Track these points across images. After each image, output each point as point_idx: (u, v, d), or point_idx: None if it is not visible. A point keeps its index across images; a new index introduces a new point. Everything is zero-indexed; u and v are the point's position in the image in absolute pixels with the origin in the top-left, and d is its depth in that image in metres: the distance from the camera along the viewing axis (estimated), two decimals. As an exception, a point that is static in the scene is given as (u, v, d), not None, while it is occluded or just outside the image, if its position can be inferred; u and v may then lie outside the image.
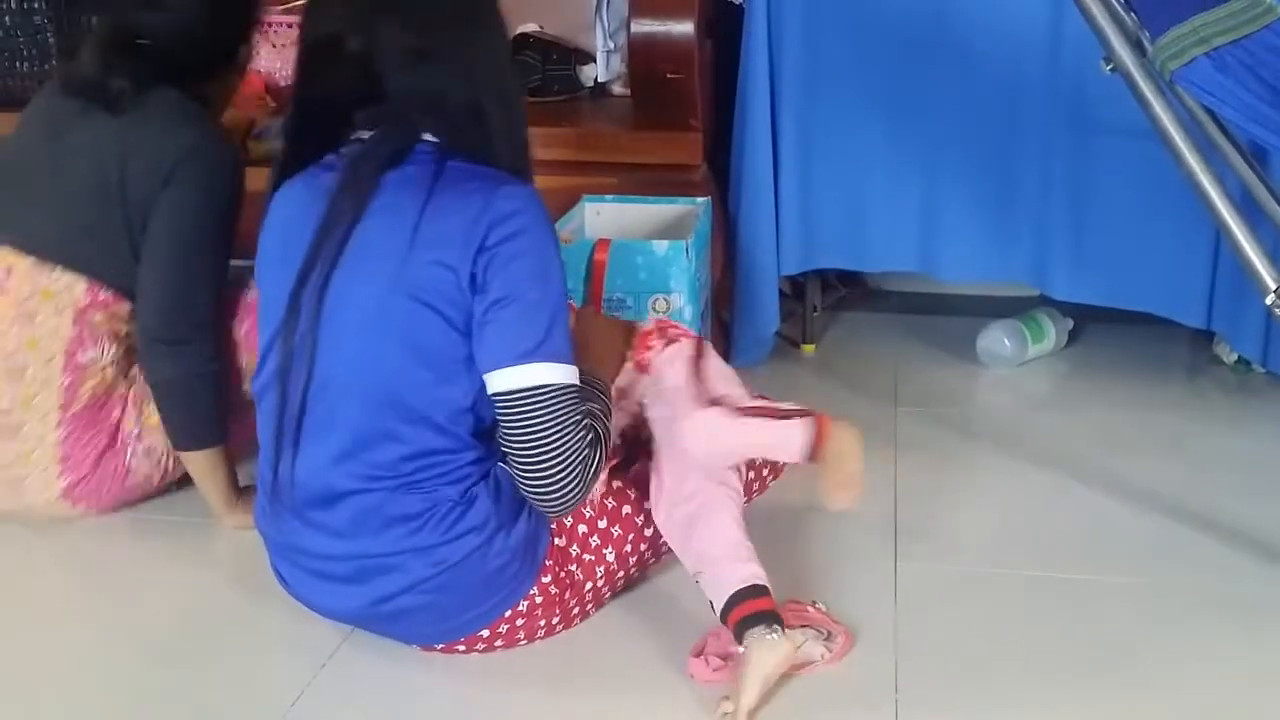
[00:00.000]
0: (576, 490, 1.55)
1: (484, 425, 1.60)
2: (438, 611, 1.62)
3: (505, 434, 1.55)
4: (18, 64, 2.73)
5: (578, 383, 1.56)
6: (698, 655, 1.64)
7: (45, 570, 1.95)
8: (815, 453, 1.71)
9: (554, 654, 1.69)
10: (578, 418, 1.54)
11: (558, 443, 1.52)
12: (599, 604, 1.74)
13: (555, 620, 1.69)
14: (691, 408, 1.72)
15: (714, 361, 1.81)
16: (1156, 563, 1.89)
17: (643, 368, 1.79)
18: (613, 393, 1.72)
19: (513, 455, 1.55)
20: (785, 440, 1.72)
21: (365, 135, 1.61)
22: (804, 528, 1.96)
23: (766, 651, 1.56)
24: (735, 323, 2.60)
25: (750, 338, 2.59)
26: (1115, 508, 2.05)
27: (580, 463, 1.54)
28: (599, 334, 1.79)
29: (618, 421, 1.75)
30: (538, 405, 1.52)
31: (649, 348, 1.80)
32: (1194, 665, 1.65)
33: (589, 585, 1.70)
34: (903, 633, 1.71)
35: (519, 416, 1.52)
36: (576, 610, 1.71)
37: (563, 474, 1.53)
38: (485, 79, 1.60)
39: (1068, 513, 2.05)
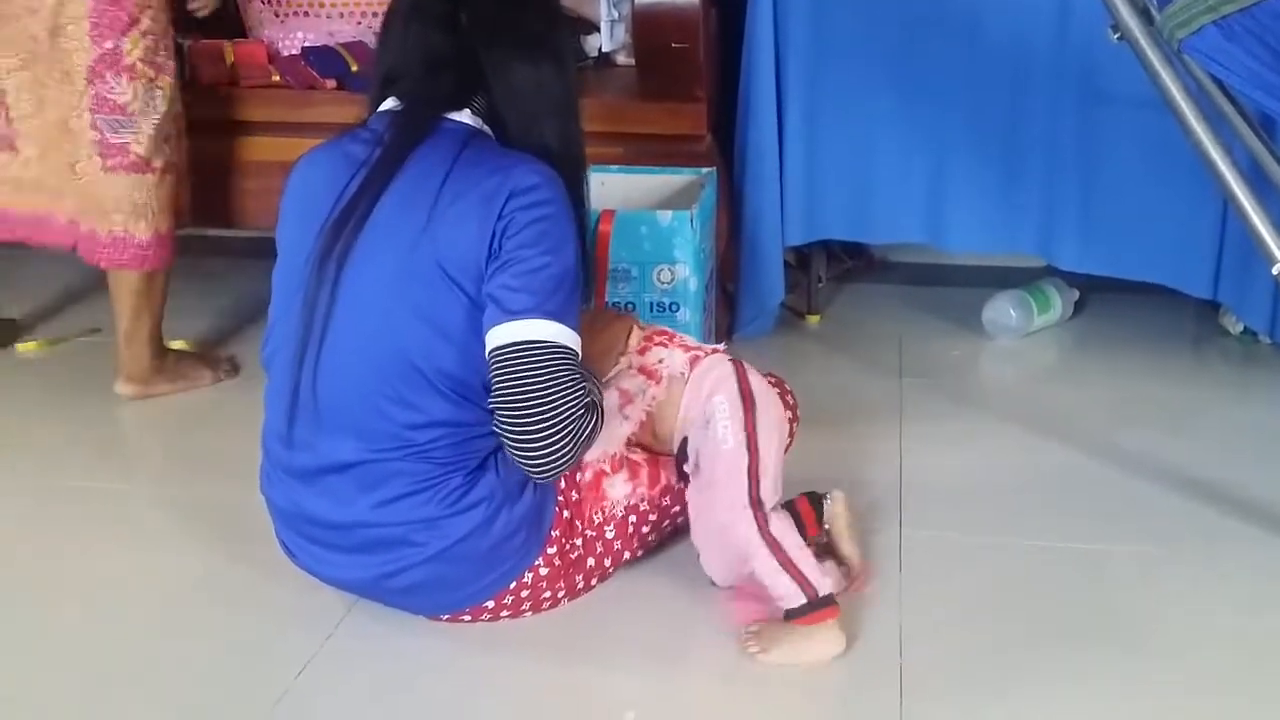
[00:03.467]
0: (567, 453, 1.51)
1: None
2: (444, 583, 1.62)
3: (497, 392, 1.52)
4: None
5: (579, 351, 1.55)
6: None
7: (55, 541, 1.95)
8: (801, 620, 1.62)
9: (558, 624, 1.69)
10: (576, 378, 1.52)
11: (552, 399, 1.49)
12: (603, 578, 1.74)
13: (560, 592, 1.70)
14: (737, 504, 1.63)
15: (762, 405, 1.68)
16: (1162, 532, 1.89)
17: (649, 373, 1.74)
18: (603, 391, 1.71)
19: (503, 413, 1.51)
20: (787, 595, 1.62)
21: (391, 107, 1.63)
22: (809, 498, 1.96)
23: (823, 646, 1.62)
24: (740, 294, 2.59)
25: (755, 309, 2.59)
26: (1120, 478, 2.05)
27: (574, 422, 1.50)
28: (594, 328, 1.76)
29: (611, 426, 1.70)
30: (534, 360, 1.50)
31: (655, 345, 1.77)
32: (1199, 634, 1.66)
33: (591, 561, 1.71)
34: (908, 602, 1.72)
35: (513, 371, 1.50)
36: (581, 583, 1.72)
37: (554, 434, 1.49)
38: (550, 58, 1.65)
39: (1073, 483, 2.05)
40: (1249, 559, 1.83)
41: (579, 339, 1.55)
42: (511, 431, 1.51)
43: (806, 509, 1.76)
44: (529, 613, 1.69)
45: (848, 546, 1.77)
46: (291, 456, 1.63)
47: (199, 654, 1.66)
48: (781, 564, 1.61)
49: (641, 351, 1.77)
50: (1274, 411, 2.30)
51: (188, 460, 2.18)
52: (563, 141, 1.66)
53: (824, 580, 1.62)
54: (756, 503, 1.63)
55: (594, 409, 1.54)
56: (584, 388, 1.53)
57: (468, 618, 1.67)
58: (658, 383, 1.72)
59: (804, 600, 1.60)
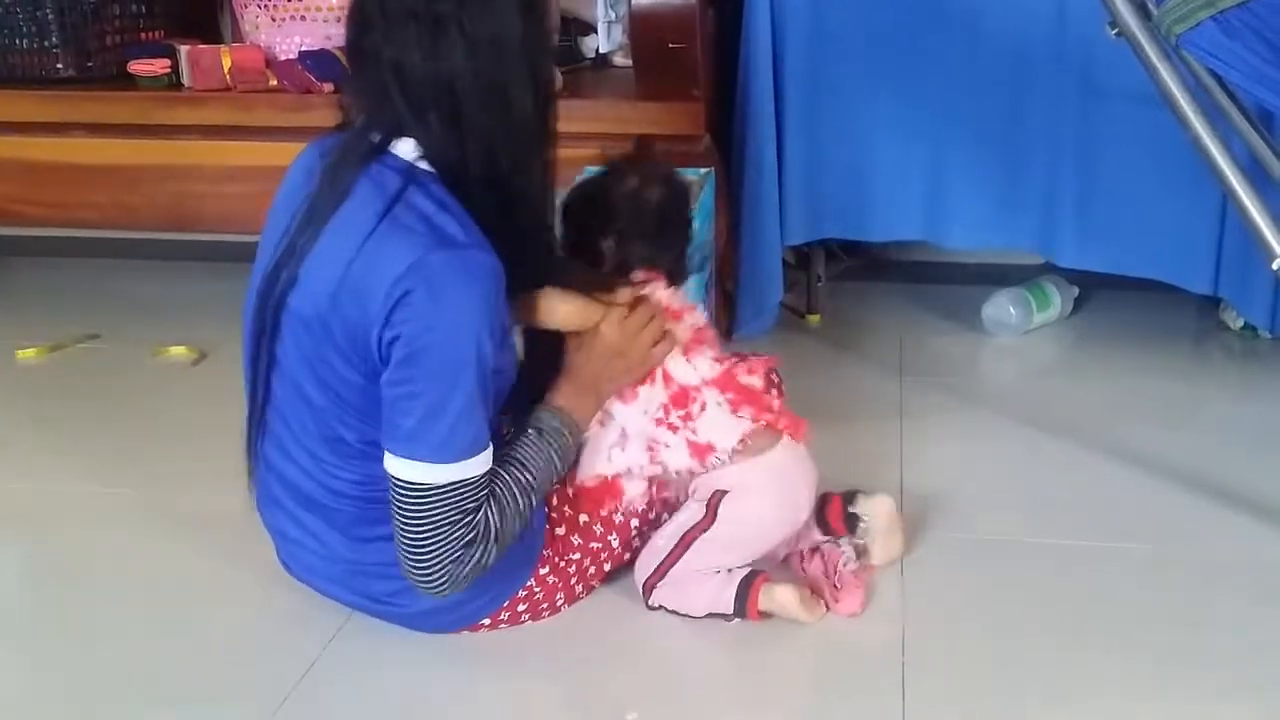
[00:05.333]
0: (444, 586, 1.48)
1: None
2: (430, 610, 1.61)
3: (392, 510, 1.48)
4: (17, 40, 2.72)
5: (474, 476, 1.46)
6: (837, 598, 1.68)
7: (55, 545, 1.95)
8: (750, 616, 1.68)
9: (560, 627, 1.69)
10: (457, 518, 1.45)
11: (428, 541, 1.45)
12: (602, 579, 1.73)
13: (559, 600, 1.69)
14: (640, 577, 1.70)
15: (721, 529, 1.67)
16: (1163, 529, 1.89)
17: (699, 453, 1.65)
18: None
19: (394, 529, 1.49)
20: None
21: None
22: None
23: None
24: (739, 293, 2.59)
25: (754, 308, 2.58)
26: (1121, 474, 2.05)
27: (449, 563, 1.46)
28: (609, 358, 1.61)
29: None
30: (418, 504, 1.45)
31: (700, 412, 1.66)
32: (1200, 630, 1.65)
33: (592, 567, 1.70)
34: (910, 600, 1.71)
35: (399, 506, 1.46)
36: (581, 590, 1.71)
37: (430, 568, 1.47)
38: (474, 66, 1.42)
39: (1074, 480, 2.05)
40: (1250, 554, 1.82)
41: (475, 461, 1.45)
42: (399, 551, 1.49)
43: (836, 510, 1.76)
44: (529, 621, 1.68)
45: (877, 550, 1.76)
46: (263, 483, 1.64)
47: (200, 658, 1.65)
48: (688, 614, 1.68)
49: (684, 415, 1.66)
50: (1275, 406, 2.30)
51: (189, 464, 2.17)
52: (499, 170, 1.46)
53: (720, 596, 1.66)
54: (649, 589, 1.69)
55: (475, 543, 1.47)
56: (467, 524, 1.46)
57: (466, 631, 1.67)
58: (702, 462, 1.66)
59: (730, 611, 1.66)
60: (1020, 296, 2.64)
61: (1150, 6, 1.73)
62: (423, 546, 1.46)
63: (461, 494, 1.46)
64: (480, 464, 1.47)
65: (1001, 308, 2.64)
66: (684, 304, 1.73)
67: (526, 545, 1.61)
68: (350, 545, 1.58)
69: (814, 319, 2.74)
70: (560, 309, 1.61)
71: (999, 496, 2.00)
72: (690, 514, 1.68)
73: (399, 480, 1.46)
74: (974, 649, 1.62)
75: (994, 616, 1.69)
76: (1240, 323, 2.58)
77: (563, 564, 1.66)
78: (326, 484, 1.56)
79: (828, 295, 2.81)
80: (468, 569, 1.48)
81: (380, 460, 1.48)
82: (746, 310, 2.59)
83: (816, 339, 2.67)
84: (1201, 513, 1.93)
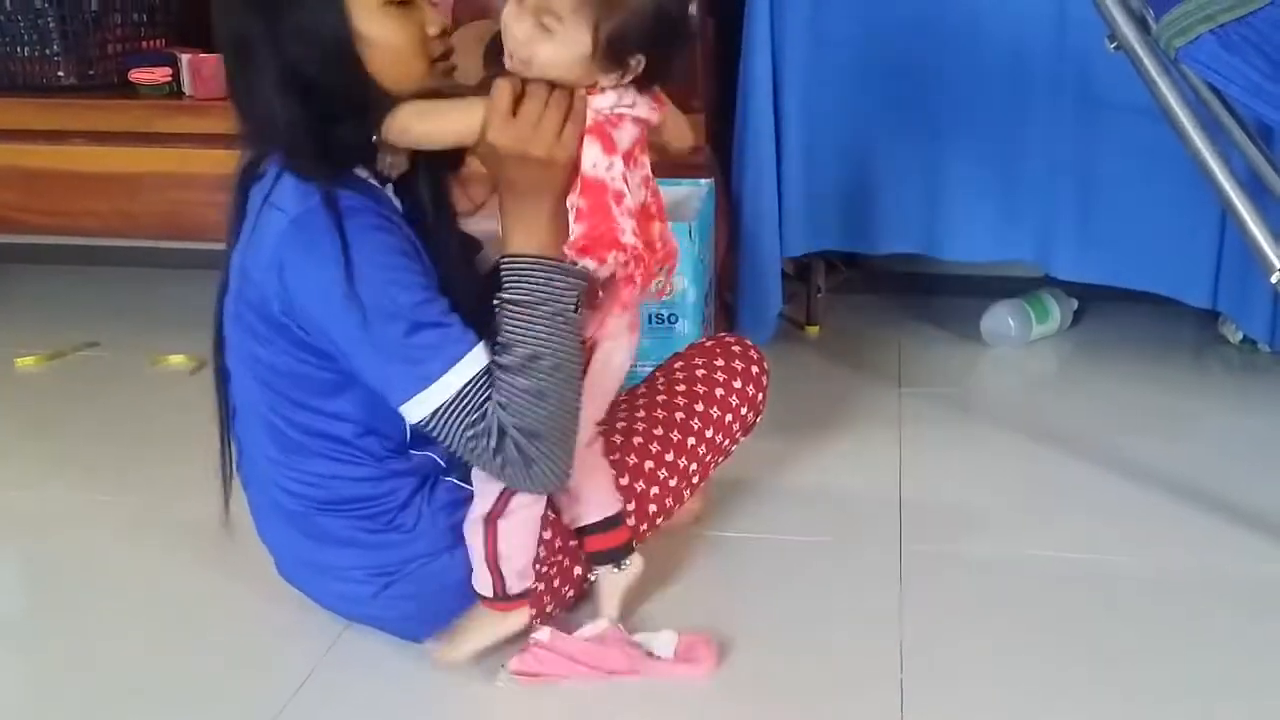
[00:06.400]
0: (525, 486, 1.45)
1: (392, 441, 1.53)
2: (405, 615, 1.61)
3: None
4: (18, 48, 2.72)
5: (453, 395, 1.41)
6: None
7: (52, 555, 1.95)
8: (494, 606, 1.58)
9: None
10: (470, 433, 1.41)
11: (473, 459, 1.45)
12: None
13: (549, 607, 1.68)
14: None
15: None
16: (1162, 542, 1.89)
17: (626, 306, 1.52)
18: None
19: None
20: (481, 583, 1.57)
21: None
22: (809, 507, 1.96)
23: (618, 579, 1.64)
24: (739, 305, 2.59)
25: (754, 320, 2.59)
26: (1120, 487, 2.05)
27: (500, 469, 1.43)
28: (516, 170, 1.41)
29: None
30: (433, 433, 1.44)
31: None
32: (1198, 642, 1.65)
33: (577, 570, 1.67)
34: (908, 612, 1.71)
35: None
36: (568, 589, 1.68)
37: (502, 476, 1.45)
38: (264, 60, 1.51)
39: (1073, 493, 2.05)
40: (1249, 567, 1.82)
41: (451, 377, 1.40)
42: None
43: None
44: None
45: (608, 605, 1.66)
46: (248, 494, 1.64)
47: (198, 669, 1.65)
48: (486, 556, 1.54)
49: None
50: (1274, 420, 2.30)
51: (187, 473, 2.17)
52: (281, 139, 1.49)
53: (520, 583, 1.57)
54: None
55: (505, 446, 1.41)
56: (481, 432, 1.41)
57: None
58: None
59: (491, 594, 1.56)
60: (1019, 308, 2.64)
61: (1149, 20, 1.73)
62: (474, 464, 1.46)
63: (455, 412, 1.41)
64: (456, 378, 1.41)
65: (1000, 320, 2.64)
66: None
67: None
68: (310, 547, 1.59)
69: (813, 330, 2.75)
70: (420, 123, 1.43)
71: (997, 508, 2.00)
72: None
73: (412, 424, 1.45)
74: (972, 661, 1.62)
75: (992, 628, 1.69)
76: (1239, 336, 2.58)
77: (542, 568, 1.63)
78: (283, 485, 1.56)
79: (827, 307, 2.81)
80: (520, 468, 1.43)
81: (322, 455, 1.51)
82: (746, 321, 2.59)
83: (816, 350, 2.68)
84: (1200, 525, 1.93)
